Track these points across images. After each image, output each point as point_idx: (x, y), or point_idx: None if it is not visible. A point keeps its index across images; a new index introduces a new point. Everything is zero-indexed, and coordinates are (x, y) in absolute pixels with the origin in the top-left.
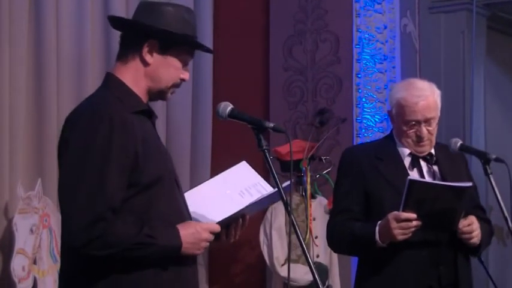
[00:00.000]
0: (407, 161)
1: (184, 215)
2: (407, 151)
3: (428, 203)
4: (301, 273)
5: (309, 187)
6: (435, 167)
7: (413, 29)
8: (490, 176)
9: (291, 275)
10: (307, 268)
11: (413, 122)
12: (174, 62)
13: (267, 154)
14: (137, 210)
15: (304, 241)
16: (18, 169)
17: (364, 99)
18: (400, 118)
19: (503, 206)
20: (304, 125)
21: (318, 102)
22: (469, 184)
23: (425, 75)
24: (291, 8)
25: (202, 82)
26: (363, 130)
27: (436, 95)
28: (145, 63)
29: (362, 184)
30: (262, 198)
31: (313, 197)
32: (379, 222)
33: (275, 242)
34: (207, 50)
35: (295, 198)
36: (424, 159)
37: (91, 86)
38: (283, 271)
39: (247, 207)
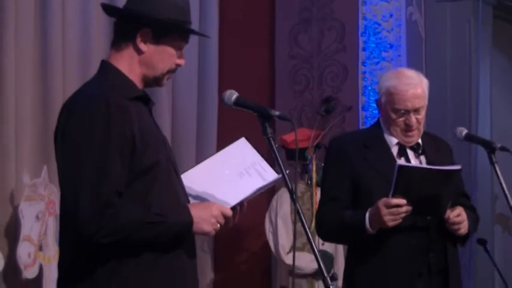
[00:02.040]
0: (394, 150)
1: (181, 201)
2: (395, 140)
3: (418, 187)
4: (307, 261)
5: (314, 175)
6: (422, 157)
7: (419, 17)
8: (496, 165)
9: (296, 263)
10: (313, 256)
11: (403, 111)
12: (168, 50)
13: (272, 142)
14: (137, 196)
15: (309, 229)
16: (24, 157)
17: (369, 88)
18: (390, 106)
19: (508, 195)
20: (309, 113)
21: (324, 90)
22: (458, 167)
23: (431, 63)
24: None
25: (208, 70)
26: (369, 118)
27: (424, 84)
28: (139, 52)
29: (350, 173)
30: (265, 185)
31: (318, 185)
32: (369, 209)
33: (280, 230)
34: (201, 35)
35: (301, 187)
36: (411, 148)
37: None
38: (288, 259)
39: (250, 195)
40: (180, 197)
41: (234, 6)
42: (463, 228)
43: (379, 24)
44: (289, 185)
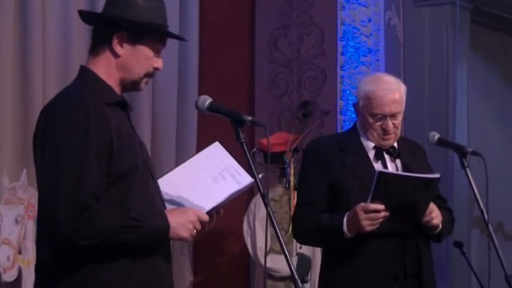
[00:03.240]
0: (371, 154)
1: (158, 207)
2: (371, 144)
3: (396, 194)
4: (284, 263)
5: (292, 178)
6: (398, 160)
7: (398, 22)
8: (467, 169)
9: (274, 266)
10: (291, 259)
11: (380, 116)
12: (145, 52)
13: (244, 147)
14: (114, 201)
15: (287, 232)
16: (3, 160)
17: (348, 92)
18: (367, 111)
19: (479, 198)
20: (289, 117)
21: (303, 94)
22: (437, 175)
23: (409, 68)
24: (277, 0)
25: (187, 74)
26: (347, 122)
27: (402, 90)
28: (116, 55)
29: (327, 176)
30: (239, 189)
31: (296, 188)
32: (347, 213)
33: (258, 233)
34: (177, 38)
35: (279, 190)
36: (387, 152)
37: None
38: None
39: (225, 200)
40: (156, 202)
41: (214, 11)
42: (436, 218)
43: (358, 29)
44: (261, 189)
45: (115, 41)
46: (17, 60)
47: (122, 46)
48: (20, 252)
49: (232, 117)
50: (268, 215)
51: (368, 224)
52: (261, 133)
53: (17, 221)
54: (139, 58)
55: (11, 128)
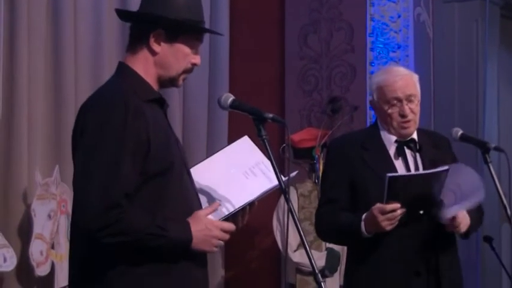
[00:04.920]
0: (392, 150)
1: (194, 204)
2: (393, 138)
3: (409, 192)
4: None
5: (321, 174)
6: (419, 155)
7: (427, 18)
8: (490, 164)
9: (303, 261)
10: (320, 254)
11: (395, 101)
12: (182, 49)
13: (266, 143)
14: (148, 198)
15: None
16: (36, 156)
17: None
18: (382, 99)
19: (502, 194)
20: (318, 113)
21: (333, 90)
22: (445, 168)
23: (439, 64)
24: None
25: (218, 71)
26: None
27: (415, 77)
28: (153, 53)
29: (348, 174)
30: (272, 187)
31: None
32: (363, 216)
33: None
34: (214, 33)
35: (308, 185)
36: (408, 147)
37: (108, 73)
38: (295, 257)
39: (258, 197)
40: (191, 199)
41: (244, 8)
42: (462, 227)
43: (387, 25)
44: (283, 185)
45: (152, 39)
46: (49, 58)
47: (159, 44)
48: (52, 247)
49: (254, 115)
50: (290, 210)
51: (387, 224)
52: (292, 129)
53: (49, 216)
54: (177, 56)
55: (43, 124)
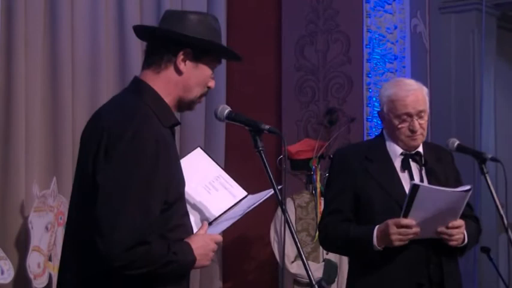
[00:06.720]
0: (397, 162)
1: (190, 225)
2: (398, 150)
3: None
4: (312, 269)
5: (318, 185)
6: (424, 168)
7: (424, 29)
8: (486, 175)
9: (300, 272)
10: (317, 265)
11: (405, 116)
12: (206, 71)
13: (262, 155)
14: (160, 223)
15: (313, 239)
16: (33, 168)
17: (374, 99)
18: (392, 114)
19: (498, 204)
20: (315, 124)
21: (329, 101)
22: (468, 187)
23: (435, 75)
24: (303, 8)
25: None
26: (373, 129)
27: (425, 91)
28: (179, 72)
29: (352, 185)
30: (253, 203)
31: (322, 195)
32: (377, 226)
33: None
34: (238, 57)
35: (305, 197)
36: (414, 160)
37: (105, 87)
38: (293, 268)
39: (226, 212)
40: (189, 222)
41: (241, 19)
42: (455, 242)
43: (384, 36)
44: (279, 196)
45: (180, 58)
46: (46, 70)
47: (185, 63)
48: (50, 259)
49: (250, 126)
50: (286, 221)
51: (398, 238)
52: (289, 140)
53: (47, 229)
54: (200, 77)
55: (41, 136)
